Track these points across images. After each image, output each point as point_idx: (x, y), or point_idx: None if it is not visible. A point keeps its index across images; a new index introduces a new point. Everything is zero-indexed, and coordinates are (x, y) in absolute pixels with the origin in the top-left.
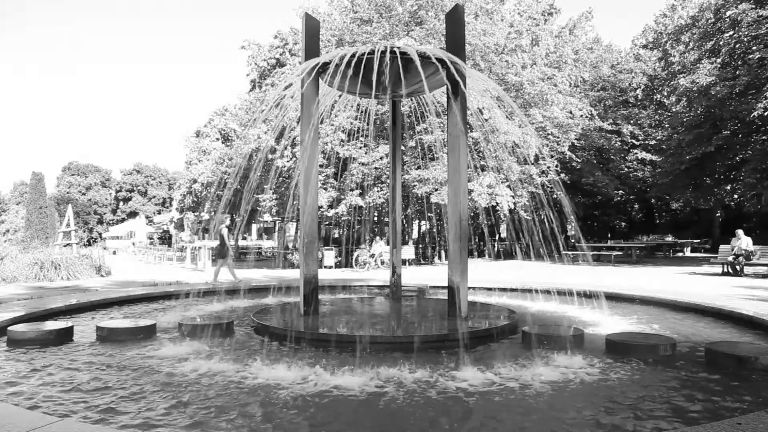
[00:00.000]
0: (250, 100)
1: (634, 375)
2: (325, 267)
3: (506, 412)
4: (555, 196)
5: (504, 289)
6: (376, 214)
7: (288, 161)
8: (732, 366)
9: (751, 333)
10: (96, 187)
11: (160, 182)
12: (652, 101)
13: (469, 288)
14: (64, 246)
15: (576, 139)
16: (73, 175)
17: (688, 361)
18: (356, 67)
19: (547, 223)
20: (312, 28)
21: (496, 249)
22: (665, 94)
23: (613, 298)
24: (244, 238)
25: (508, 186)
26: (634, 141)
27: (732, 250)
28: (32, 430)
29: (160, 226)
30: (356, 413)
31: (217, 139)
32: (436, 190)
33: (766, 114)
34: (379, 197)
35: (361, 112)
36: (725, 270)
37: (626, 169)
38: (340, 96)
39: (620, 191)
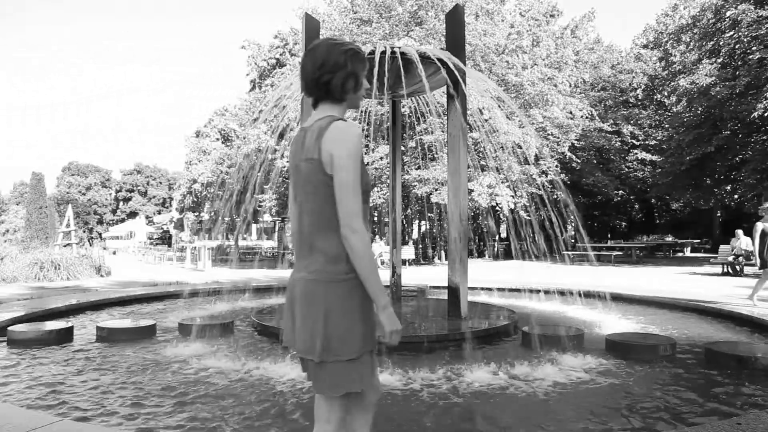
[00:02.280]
0: (250, 100)
1: (633, 375)
2: None
3: (508, 411)
4: (555, 196)
5: (504, 289)
6: (376, 214)
7: (288, 161)
8: (732, 366)
9: (751, 333)
10: (96, 187)
11: (160, 182)
12: (653, 101)
13: (470, 288)
14: (64, 246)
15: (576, 139)
16: (73, 175)
17: (687, 361)
18: None
19: (547, 223)
20: (312, 28)
21: (496, 249)
22: (665, 94)
23: (613, 298)
24: (244, 239)
25: (509, 186)
26: (634, 141)
27: (732, 250)
28: (32, 430)
29: (160, 226)
30: None
31: (217, 139)
32: (436, 190)
33: (766, 114)
34: (379, 197)
35: (361, 112)
36: (725, 270)
37: (626, 170)
38: None
39: (620, 191)
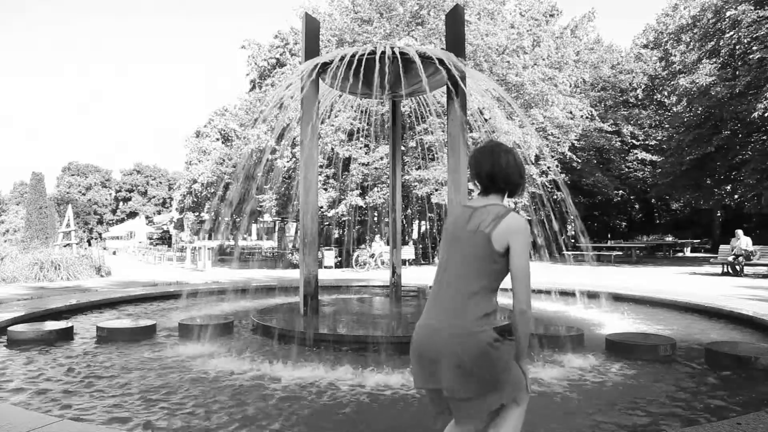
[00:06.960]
0: (250, 100)
1: (633, 375)
2: (325, 267)
3: None
4: (555, 196)
5: (504, 290)
6: (376, 214)
7: (288, 161)
8: (732, 366)
9: (751, 333)
10: (96, 187)
11: (160, 182)
12: (653, 101)
13: None
14: (64, 246)
15: (576, 139)
16: (73, 175)
17: (687, 361)
18: (357, 68)
19: (547, 223)
20: (312, 28)
21: None
22: (665, 94)
23: (613, 298)
24: (245, 239)
25: None
26: (634, 141)
27: (732, 250)
28: (32, 430)
29: (160, 227)
30: (366, 413)
31: (217, 139)
32: (437, 190)
33: (766, 114)
34: (379, 197)
35: (362, 112)
36: (725, 270)
37: (626, 170)
38: (340, 96)
39: (620, 191)
